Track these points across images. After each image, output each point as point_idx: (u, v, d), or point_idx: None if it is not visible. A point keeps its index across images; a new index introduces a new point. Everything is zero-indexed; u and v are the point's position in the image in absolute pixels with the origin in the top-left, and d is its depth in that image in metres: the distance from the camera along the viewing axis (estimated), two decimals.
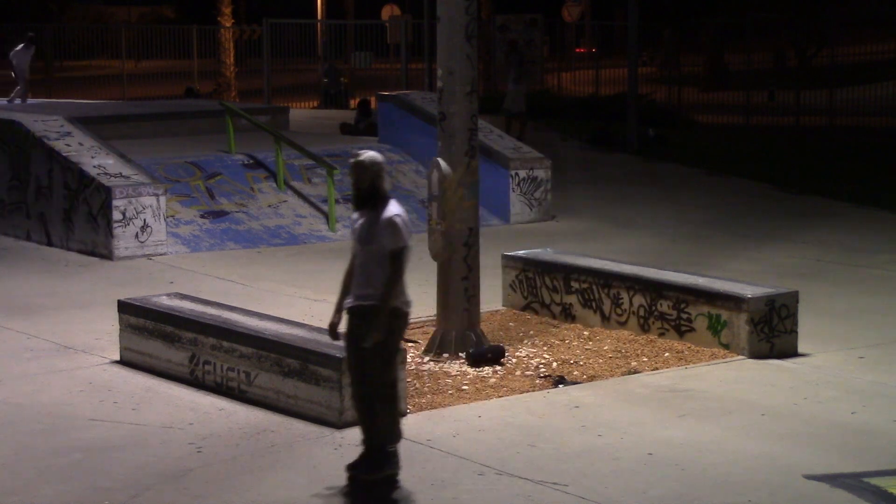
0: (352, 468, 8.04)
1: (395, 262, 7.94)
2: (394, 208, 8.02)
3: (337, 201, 17.37)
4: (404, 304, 8.08)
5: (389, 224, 7.95)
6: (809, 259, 15.61)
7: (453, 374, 10.54)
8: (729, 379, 10.36)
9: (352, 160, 8.14)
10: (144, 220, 15.51)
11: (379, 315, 7.90)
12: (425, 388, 10.13)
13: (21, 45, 30.81)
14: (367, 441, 8.06)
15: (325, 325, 10.97)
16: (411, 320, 12.10)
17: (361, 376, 8.03)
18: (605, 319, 11.93)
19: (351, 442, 8.79)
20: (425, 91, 25.15)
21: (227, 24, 40.99)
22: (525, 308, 12.65)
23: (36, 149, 16.53)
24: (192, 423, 9.29)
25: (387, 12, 45.86)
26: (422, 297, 12.91)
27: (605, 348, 11.31)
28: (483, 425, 9.20)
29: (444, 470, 8.32)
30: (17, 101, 29.22)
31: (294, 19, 38.27)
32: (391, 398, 8.08)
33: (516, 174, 18.37)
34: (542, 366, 10.81)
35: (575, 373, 10.62)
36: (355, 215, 8.17)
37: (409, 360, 10.37)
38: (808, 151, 25.93)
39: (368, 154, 8.11)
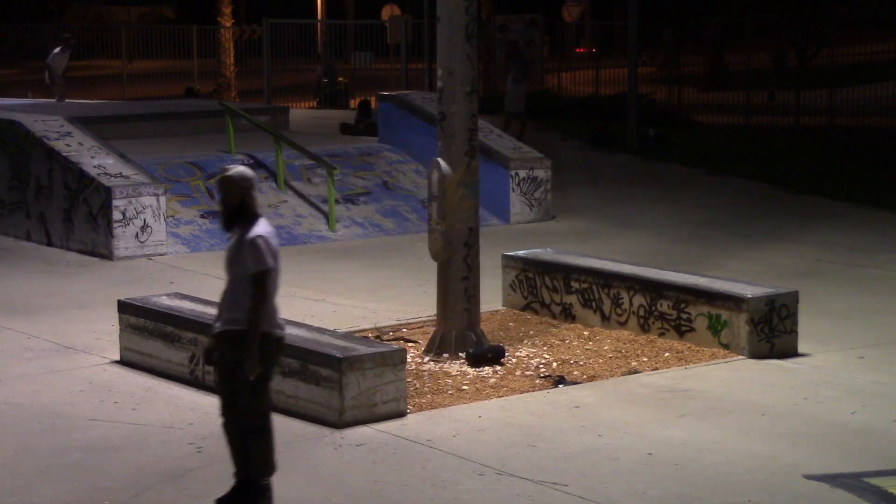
0: (221, 503, 7.62)
1: (257, 285, 7.44)
2: (259, 228, 7.50)
3: (337, 201, 17.37)
4: (277, 328, 7.61)
5: (251, 245, 7.44)
6: (809, 259, 15.61)
7: (453, 374, 10.55)
8: (729, 379, 10.36)
9: (219, 175, 7.69)
10: (144, 220, 15.51)
11: (248, 343, 7.42)
12: (425, 388, 10.13)
13: (58, 48, 30.95)
14: (239, 474, 7.64)
15: (325, 325, 11.04)
16: (411, 320, 12.25)
17: (231, 405, 7.59)
18: (605, 319, 11.94)
19: (351, 442, 8.80)
20: (425, 91, 25.14)
21: (227, 24, 40.98)
22: (525, 308, 12.65)
23: (36, 149, 16.52)
24: (192, 423, 9.30)
25: (387, 12, 45.88)
26: (422, 298, 12.95)
27: (605, 348, 11.31)
28: (483, 425, 9.20)
29: (444, 470, 8.32)
30: (55, 99, 29.39)
31: (294, 19, 38.25)
32: (263, 428, 7.61)
33: (516, 174, 18.37)
34: (542, 366, 10.81)
35: (575, 373, 10.62)
36: (228, 235, 7.67)
37: (409, 360, 10.38)
38: (808, 151, 25.92)
39: (237, 169, 7.62)
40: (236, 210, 7.56)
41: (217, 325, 7.65)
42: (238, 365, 7.47)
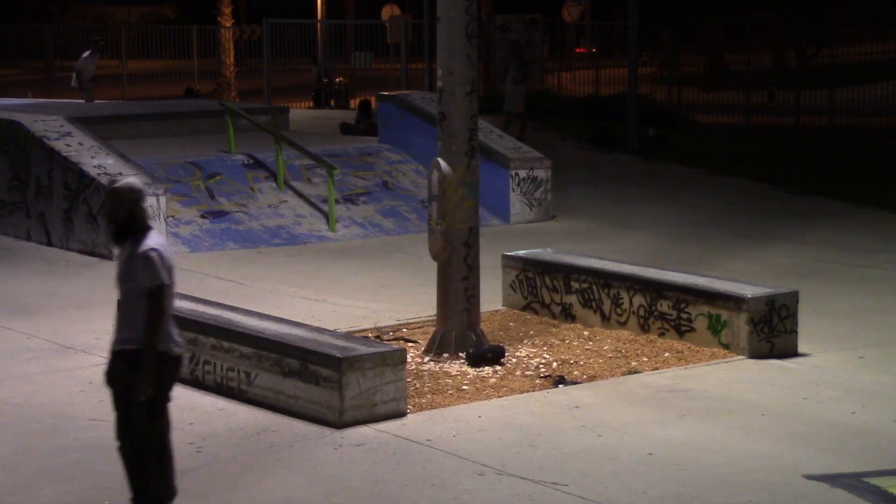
0: None
1: (152, 301, 7.17)
2: (151, 241, 7.23)
3: (337, 201, 17.38)
4: (174, 346, 7.32)
5: (144, 259, 7.18)
6: (809, 259, 15.61)
7: (453, 374, 10.54)
8: (729, 379, 10.36)
9: (107, 188, 7.39)
10: None
11: (143, 362, 7.15)
12: (425, 388, 10.13)
13: (88, 52, 31.01)
14: (137, 500, 7.39)
15: (325, 325, 11.04)
16: (411, 320, 12.25)
17: (127, 428, 7.30)
18: (605, 319, 11.93)
19: (351, 442, 8.80)
20: (425, 91, 25.14)
21: (227, 24, 41.00)
22: (525, 308, 12.65)
23: (36, 149, 16.52)
24: (192, 423, 9.29)
25: (387, 12, 45.84)
26: (422, 297, 12.95)
27: (605, 348, 11.31)
28: (483, 425, 9.20)
29: (444, 470, 8.32)
30: (84, 101, 29.49)
31: (294, 19, 38.27)
32: (162, 452, 7.33)
33: (516, 174, 18.37)
34: (542, 366, 10.81)
35: (575, 373, 10.62)
36: (117, 250, 7.43)
37: (409, 360, 10.38)
38: (808, 151, 25.92)
39: (126, 181, 7.35)
40: (126, 224, 7.29)
41: (112, 344, 7.39)
42: (133, 386, 7.21)
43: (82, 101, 29.62)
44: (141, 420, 7.28)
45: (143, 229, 7.29)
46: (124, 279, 7.32)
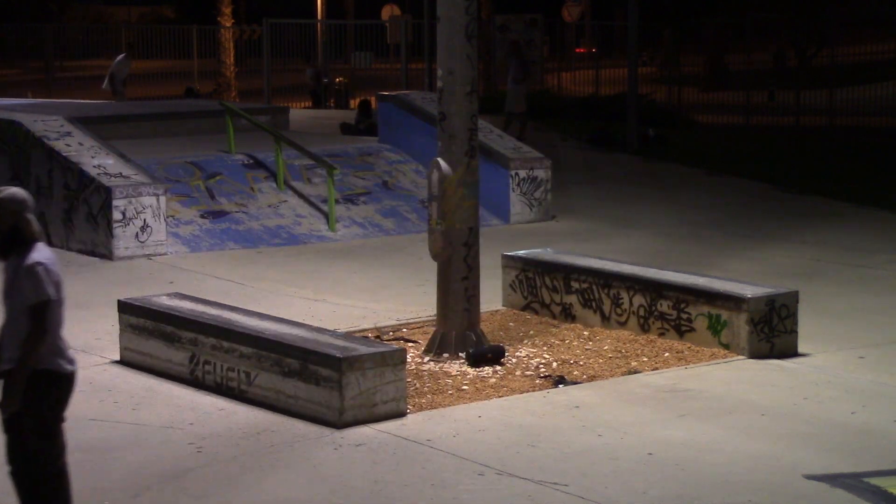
0: None
1: (36, 317, 6.78)
2: (38, 254, 6.84)
3: (337, 201, 17.37)
4: (65, 364, 6.95)
5: (29, 273, 6.78)
6: (809, 259, 15.61)
7: (453, 374, 10.55)
8: (729, 379, 10.36)
9: None
10: (144, 220, 15.50)
11: (13, 379, 6.72)
12: (425, 388, 10.13)
13: (122, 55, 31.07)
14: None
15: (325, 325, 11.04)
16: (411, 320, 12.25)
17: (19, 451, 6.88)
18: (605, 319, 11.93)
19: (351, 442, 8.80)
20: (425, 91, 25.14)
21: (227, 24, 41.00)
22: (525, 308, 12.65)
23: (36, 149, 16.52)
24: (192, 423, 9.30)
25: (387, 12, 45.86)
26: (422, 298, 12.96)
27: (605, 348, 11.31)
28: (483, 425, 9.20)
29: (444, 470, 8.32)
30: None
31: (294, 19, 38.28)
32: (58, 476, 6.91)
33: (516, 174, 18.37)
34: (542, 366, 10.81)
35: (575, 373, 10.62)
36: (3, 265, 6.94)
37: (409, 360, 10.38)
38: (808, 151, 25.93)
39: (8, 191, 6.90)
40: (9, 236, 6.86)
41: (2, 364, 6.93)
42: (25, 407, 6.79)
43: (112, 101, 29.70)
44: (33, 442, 6.87)
45: (28, 242, 6.89)
46: (9, 294, 6.89)
